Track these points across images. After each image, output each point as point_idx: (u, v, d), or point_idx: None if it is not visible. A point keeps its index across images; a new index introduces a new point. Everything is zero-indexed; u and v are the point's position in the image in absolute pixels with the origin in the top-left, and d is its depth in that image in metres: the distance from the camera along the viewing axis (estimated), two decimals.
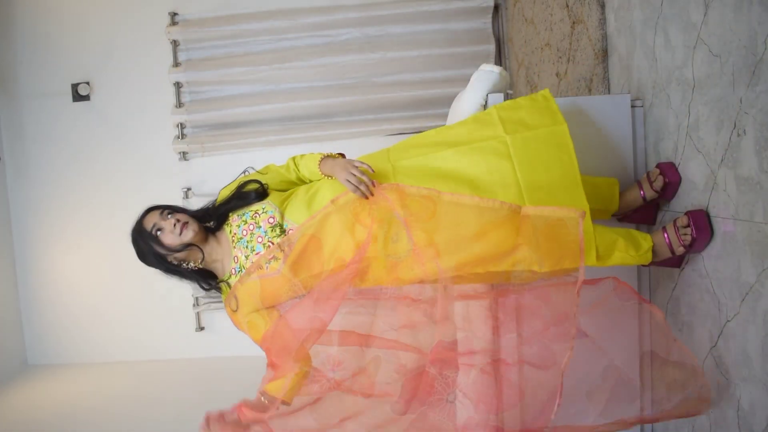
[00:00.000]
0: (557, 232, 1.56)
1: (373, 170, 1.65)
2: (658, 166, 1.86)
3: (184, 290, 3.98)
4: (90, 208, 4.17)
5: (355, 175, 1.61)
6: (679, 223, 1.71)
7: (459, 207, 1.59)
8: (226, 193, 1.80)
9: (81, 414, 3.58)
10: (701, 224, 1.65)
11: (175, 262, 1.72)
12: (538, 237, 1.56)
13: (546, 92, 1.78)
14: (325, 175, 1.72)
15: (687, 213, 1.70)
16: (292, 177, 1.81)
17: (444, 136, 1.76)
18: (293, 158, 1.81)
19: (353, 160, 1.66)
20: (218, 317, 4.11)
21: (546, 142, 1.67)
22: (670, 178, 1.81)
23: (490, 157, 1.65)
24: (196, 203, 3.90)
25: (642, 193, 1.89)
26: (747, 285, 1.50)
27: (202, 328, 4.13)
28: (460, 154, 1.67)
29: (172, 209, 1.73)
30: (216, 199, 1.82)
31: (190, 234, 1.68)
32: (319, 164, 1.72)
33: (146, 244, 1.71)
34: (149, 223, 1.72)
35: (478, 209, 1.59)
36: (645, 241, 1.73)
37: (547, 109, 1.73)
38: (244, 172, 1.86)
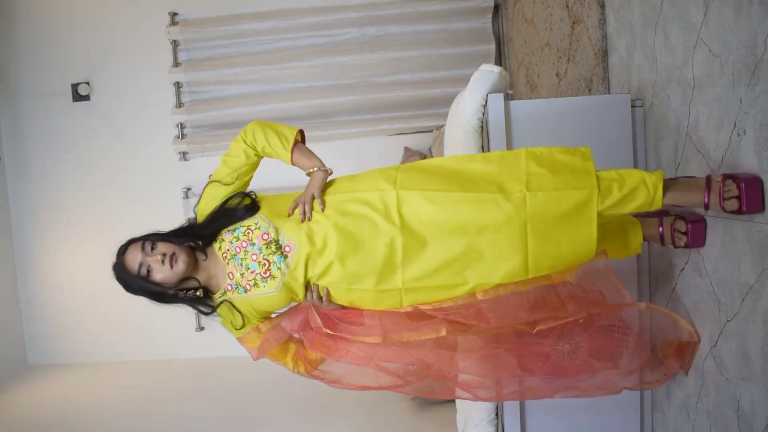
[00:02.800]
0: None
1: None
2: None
3: None
4: (90, 208, 4.18)
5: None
6: (677, 226, 1.71)
7: (500, 296, 1.57)
8: (203, 208, 1.68)
9: (81, 414, 3.58)
10: (698, 232, 1.68)
11: (171, 293, 1.64)
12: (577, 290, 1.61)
13: (587, 151, 1.59)
14: (299, 166, 1.69)
15: (687, 220, 1.69)
16: (253, 160, 1.69)
17: (461, 168, 1.62)
18: (244, 141, 1.66)
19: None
20: (218, 317, 4.10)
21: (568, 216, 1.53)
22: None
23: (501, 219, 1.52)
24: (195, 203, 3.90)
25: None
26: (747, 285, 1.50)
27: (202, 328, 4.13)
28: (469, 203, 1.53)
29: (152, 240, 1.61)
30: (195, 217, 1.70)
31: (182, 266, 1.58)
32: (293, 160, 1.67)
33: (137, 284, 1.61)
34: (133, 261, 1.59)
35: (519, 296, 1.58)
36: (636, 237, 1.80)
37: (584, 172, 1.55)
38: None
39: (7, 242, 4.22)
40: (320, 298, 1.61)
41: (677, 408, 1.89)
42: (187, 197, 4.03)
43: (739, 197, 1.45)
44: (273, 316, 1.73)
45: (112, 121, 4.17)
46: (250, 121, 1.70)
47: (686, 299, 1.82)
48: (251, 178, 1.74)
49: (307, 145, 1.73)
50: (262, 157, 1.71)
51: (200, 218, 1.68)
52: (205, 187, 1.70)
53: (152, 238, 1.62)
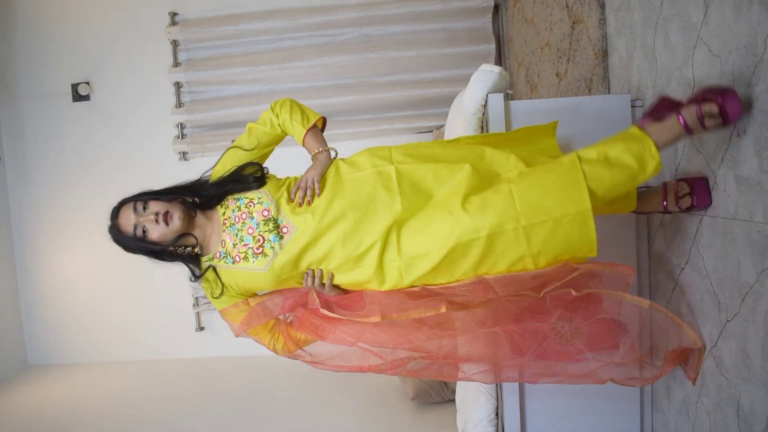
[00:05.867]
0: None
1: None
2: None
3: (184, 290, 3.99)
4: (90, 207, 4.18)
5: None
6: (680, 188, 1.71)
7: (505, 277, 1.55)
8: (218, 170, 1.71)
9: (81, 414, 3.58)
10: (702, 189, 1.67)
11: (171, 249, 1.64)
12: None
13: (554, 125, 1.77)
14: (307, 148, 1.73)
15: (689, 180, 1.70)
16: (278, 131, 1.75)
17: (455, 157, 1.65)
18: (273, 110, 1.73)
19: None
20: (218, 317, 4.11)
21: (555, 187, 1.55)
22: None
23: (496, 197, 1.53)
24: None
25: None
26: (747, 285, 1.50)
27: (202, 328, 4.13)
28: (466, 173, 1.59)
29: (144, 199, 1.61)
30: (209, 177, 1.72)
31: (177, 223, 1.58)
32: (304, 140, 1.72)
33: (135, 245, 1.61)
34: (127, 224, 1.59)
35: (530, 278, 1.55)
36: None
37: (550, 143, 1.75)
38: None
39: (7, 242, 4.22)
40: (322, 284, 1.61)
41: (677, 408, 1.90)
42: None
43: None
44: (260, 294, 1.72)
45: (112, 121, 4.17)
46: (250, 121, 1.76)
47: (686, 299, 1.82)
48: (271, 151, 1.78)
49: None
50: (285, 133, 1.75)
51: (213, 178, 1.71)
52: (226, 151, 1.74)
53: (144, 198, 1.62)
